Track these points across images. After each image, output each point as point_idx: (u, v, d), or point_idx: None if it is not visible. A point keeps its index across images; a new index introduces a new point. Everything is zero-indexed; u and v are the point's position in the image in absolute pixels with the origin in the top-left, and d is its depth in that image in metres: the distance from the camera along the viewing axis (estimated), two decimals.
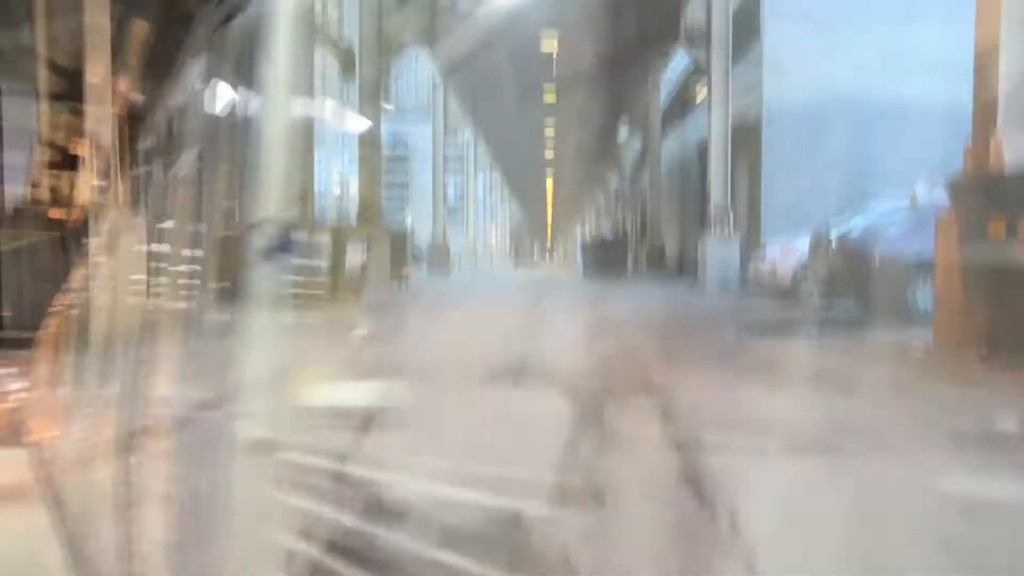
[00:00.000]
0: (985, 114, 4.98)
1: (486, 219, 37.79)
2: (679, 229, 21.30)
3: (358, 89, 13.04)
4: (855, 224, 8.38)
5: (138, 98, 8.85)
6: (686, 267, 17.81)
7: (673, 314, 9.26)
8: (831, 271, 8.34)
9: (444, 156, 23.46)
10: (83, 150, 9.64)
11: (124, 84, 9.67)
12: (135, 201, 6.56)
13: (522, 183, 38.46)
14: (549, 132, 26.95)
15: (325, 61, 13.73)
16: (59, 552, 2.95)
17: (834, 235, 8.43)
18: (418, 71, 28.11)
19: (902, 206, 8.02)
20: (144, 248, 5.23)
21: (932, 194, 7.01)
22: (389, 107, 18.45)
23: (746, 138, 14.67)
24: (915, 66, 12.79)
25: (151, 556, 2.53)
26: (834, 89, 13.78)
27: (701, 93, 16.71)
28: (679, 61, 18.91)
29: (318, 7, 12.66)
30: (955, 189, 5.26)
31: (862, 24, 14.04)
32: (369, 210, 12.51)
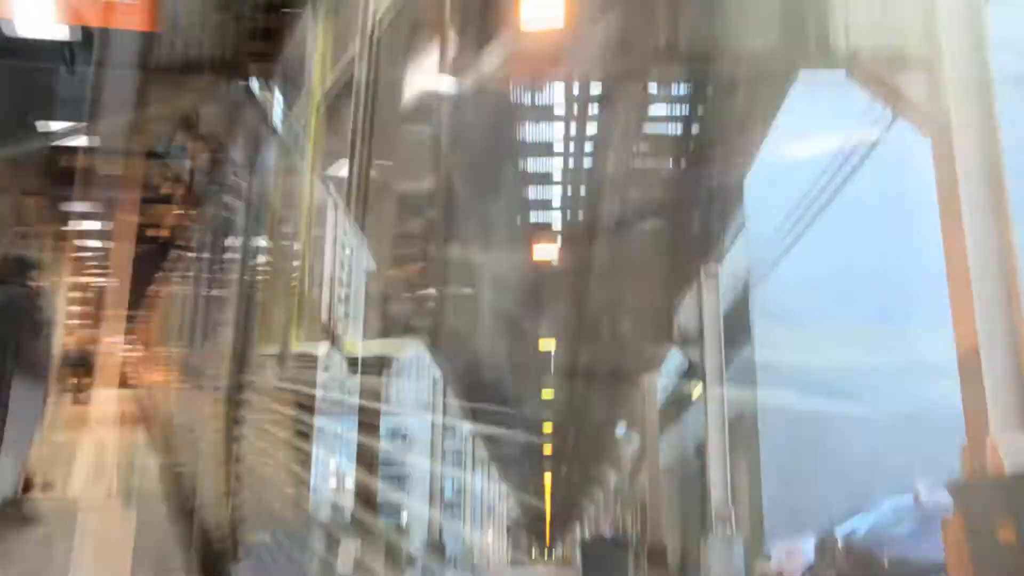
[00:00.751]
0: (976, 415, 5.02)
1: (484, 515, 36.94)
2: (680, 528, 20.75)
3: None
4: (860, 524, 8.20)
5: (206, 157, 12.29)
6: (688, 568, 17.16)
7: None
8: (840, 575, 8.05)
9: (443, 451, 23.38)
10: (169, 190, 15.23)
11: (198, 147, 13.43)
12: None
13: (520, 479, 38.01)
14: (547, 428, 27.02)
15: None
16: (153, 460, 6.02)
17: (840, 536, 8.22)
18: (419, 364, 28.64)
19: (906, 505, 7.89)
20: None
21: (935, 493, 6.92)
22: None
23: (744, 435, 14.67)
24: (902, 364, 13.05)
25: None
26: (828, 387, 13.97)
27: (697, 391, 16.94)
28: (674, 360, 19.34)
29: None
30: (958, 491, 5.19)
31: (847, 322, 14.48)
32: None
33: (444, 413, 23.34)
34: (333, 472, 17.80)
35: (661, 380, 21.98)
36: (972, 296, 5.10)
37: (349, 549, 10.36)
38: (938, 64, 5.37)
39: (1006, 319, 5.03)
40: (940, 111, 5.36)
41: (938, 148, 5.41)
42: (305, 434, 3.78)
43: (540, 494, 41.99)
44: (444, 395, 23.20)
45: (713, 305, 14.11)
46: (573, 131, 10.60)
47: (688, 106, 8.94)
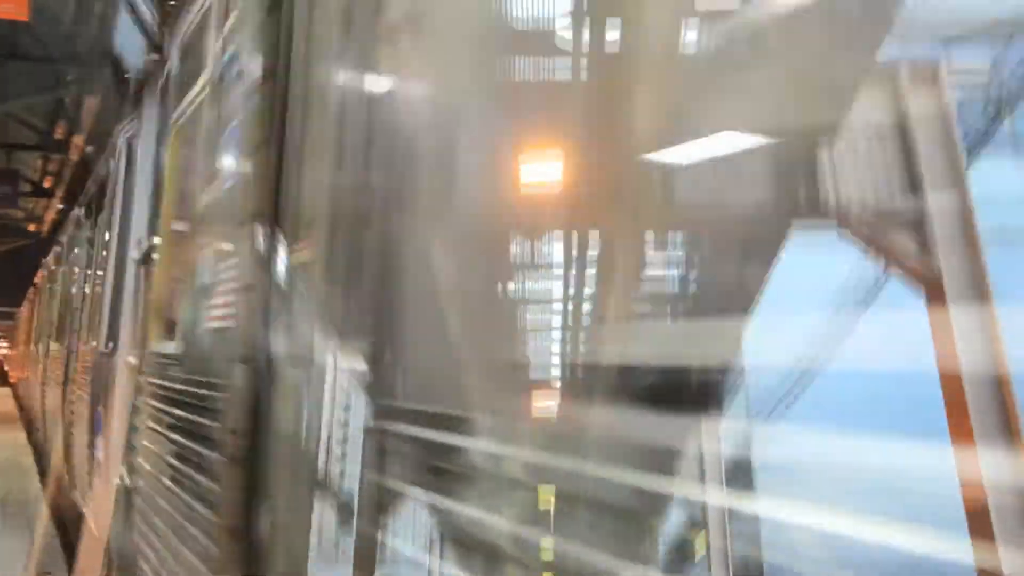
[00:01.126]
0: (980, 523, 4.91)
1: None
2: None
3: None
4: None
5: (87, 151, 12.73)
6: None
7: None
8: None
9: None
10: (49, 183, 16.51)
11: (79, 140, 14.52)
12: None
13: None
14: None
15: None
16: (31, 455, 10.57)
17: None
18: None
19: None
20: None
21: None
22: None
23: None
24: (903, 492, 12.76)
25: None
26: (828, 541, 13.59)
27: (700, 547, 16.50)
28: (676, 514, 18.92)
29: None
30: None
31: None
32: None
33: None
34: None
35: (663, 534, 21.40)
36: (975, 442, 5.09)
37: None
38: (926, 219, 5.53)
39: (1009, 463, 4.99)
40: (931, 266, 5.49)
41: (931, 300, 5.51)
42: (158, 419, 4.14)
43: None
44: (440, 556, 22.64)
45: (715, 456, 13.91)
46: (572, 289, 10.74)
47: (683, 264, 9.06)
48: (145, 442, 4.09)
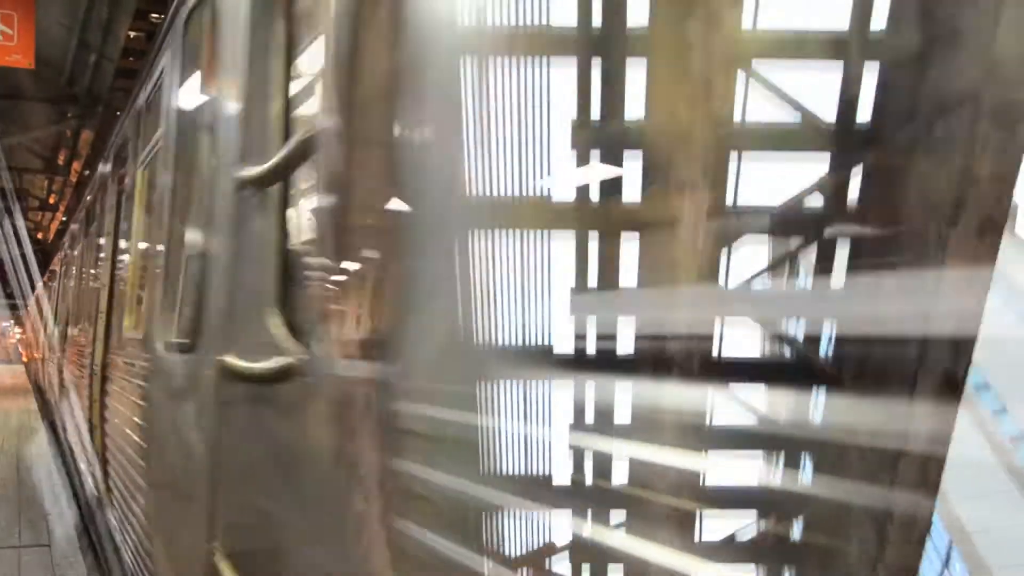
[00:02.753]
0: None
1: None
2: None
3: None
4: None
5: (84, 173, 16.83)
6: None
7: None
8: None
9: None
10: (53, 200, 23.38)
11: (77, 164, 18.69)
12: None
13: None
14: None
15: None
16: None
17: None
18: None
19: None
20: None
21: None
22: None
23: None
24: None
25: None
26: None
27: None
28: None
29: None
30: None
31: None
32: None
33: None
34: None
35: None
36: None
37: None
38: None
39: None
40: None
41: None
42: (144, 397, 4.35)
43: None
44: None
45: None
46: None
47: None
48: None
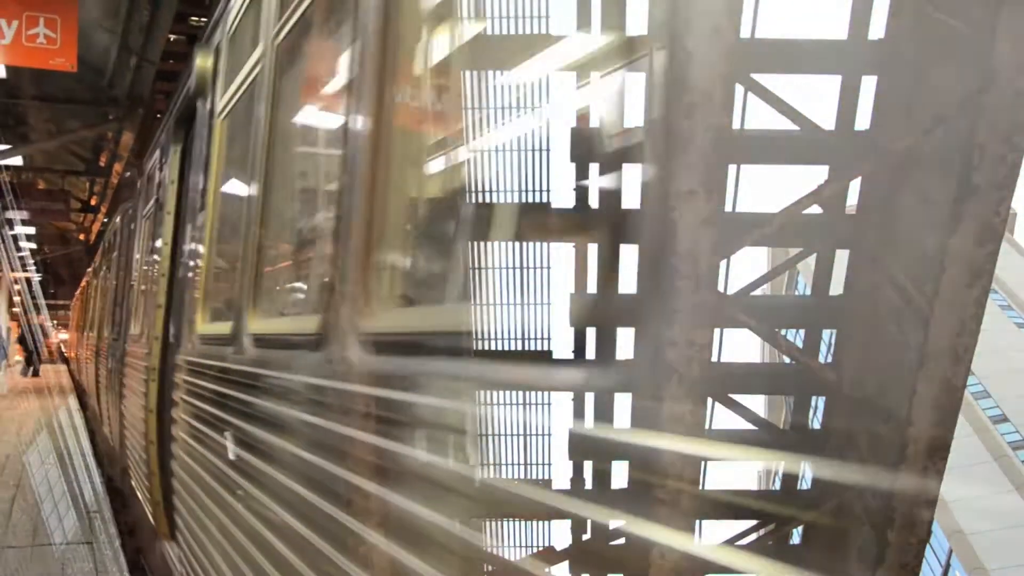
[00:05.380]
0: None
1: None
2: None
3: None
4: None
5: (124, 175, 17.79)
6: None
7: None
8: None
9: None
10: (95, 202, 24.18)
11: (118, 166, 19.03)
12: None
13: None
14: None
15: None
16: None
17: None
18: None
19: None
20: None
21: None
22: None
23: None
24: None
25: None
26: None
27: None
28: None
29: None
30: None
31: None
32: None
33: None
34: None
35: None
36: None
37: None
38: None
39: None
40: None
41: None
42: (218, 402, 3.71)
43: None
44: None
45: None
46: None
47: None
48: None
